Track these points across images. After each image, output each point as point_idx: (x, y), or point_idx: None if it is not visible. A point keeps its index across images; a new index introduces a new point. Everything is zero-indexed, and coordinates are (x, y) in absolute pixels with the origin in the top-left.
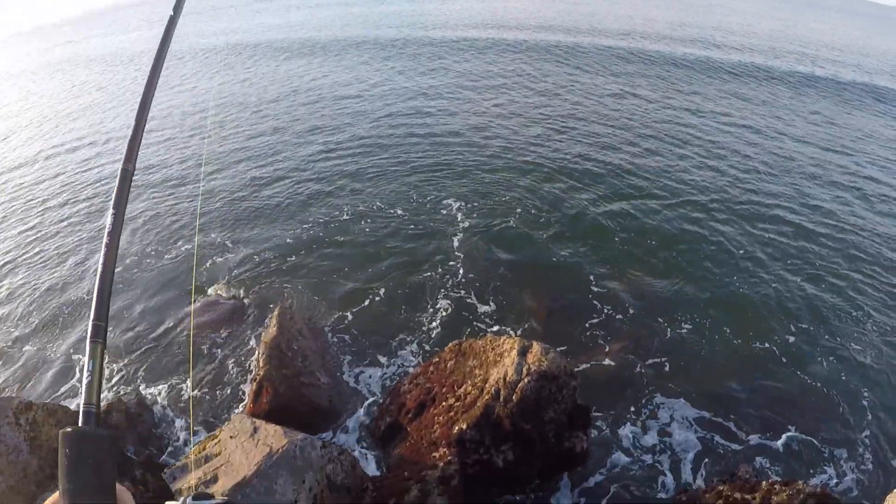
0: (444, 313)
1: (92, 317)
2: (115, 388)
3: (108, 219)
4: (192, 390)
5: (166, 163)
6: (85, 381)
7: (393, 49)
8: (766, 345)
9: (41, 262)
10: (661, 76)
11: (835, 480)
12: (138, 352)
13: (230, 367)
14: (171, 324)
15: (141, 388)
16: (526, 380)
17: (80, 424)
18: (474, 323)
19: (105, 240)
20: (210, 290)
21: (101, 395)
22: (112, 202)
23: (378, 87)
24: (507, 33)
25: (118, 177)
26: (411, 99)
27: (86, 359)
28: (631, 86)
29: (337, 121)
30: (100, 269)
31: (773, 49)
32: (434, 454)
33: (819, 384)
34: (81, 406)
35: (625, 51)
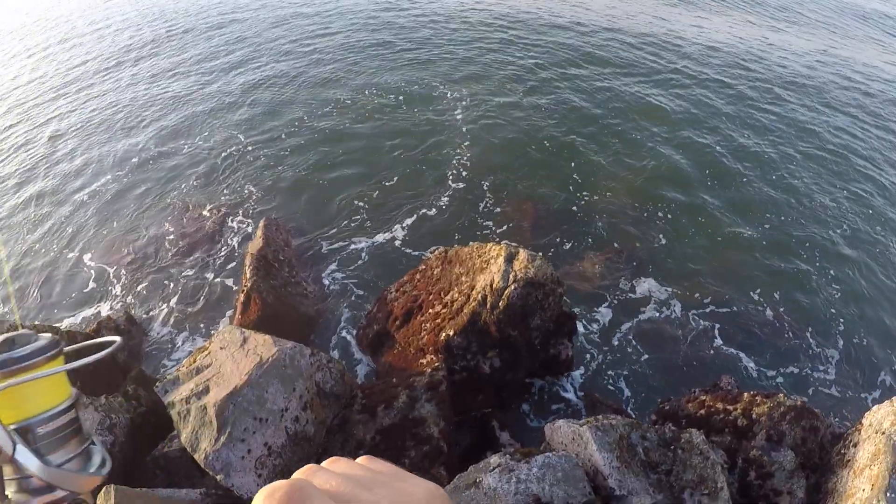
0: (430, 217)
1: None
2: (104, 306)
3: None
4: (179, 306)
5: None
6: None
7: None
8: (752, 256)
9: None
10: None
11: (814, 399)
12: (125, 269)
13: (218, 279)
14: (155, 242)
15: (129, 303)
16: (512, 286)
17: None
18: (461, 227)
19: None
20: (192, 203)
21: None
22: None
23: None
24: None
25: None
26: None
27: None
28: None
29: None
30: None
31: None
32: (421, 361)
33: (800, 305)
34: None
35: None
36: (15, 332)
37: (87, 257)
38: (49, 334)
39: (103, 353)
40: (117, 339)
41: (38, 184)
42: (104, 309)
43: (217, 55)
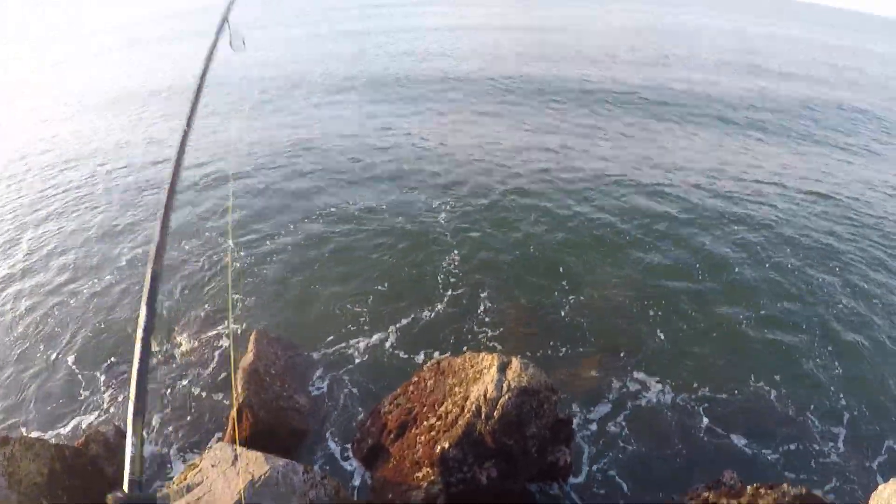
0: (421, 324)
1: (133, 399)
2: (91, 417)
3: (141, 313)
4: (169, 422)
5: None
6: (129, 454)
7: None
8: (746, 342)
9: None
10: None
11: (819, 482)
12: (112, 376)
13: (209, 393)
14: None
15: (116, 414)
16: (506, 396)
17: (126, 492)
18: (453, 334)
19: (140, 334)
20: (179, 311)
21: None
22: (144, 299)
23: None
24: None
25: (148, 276)
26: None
27: (129, 434)
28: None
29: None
30: (136, 360)
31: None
32: (417, 474)
33: (799, 386)
34: (127, 476)
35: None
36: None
37: (71, 360)
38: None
39: None
40: None
41: (18, 284)
42: (91, 419)
43: (196, 164)
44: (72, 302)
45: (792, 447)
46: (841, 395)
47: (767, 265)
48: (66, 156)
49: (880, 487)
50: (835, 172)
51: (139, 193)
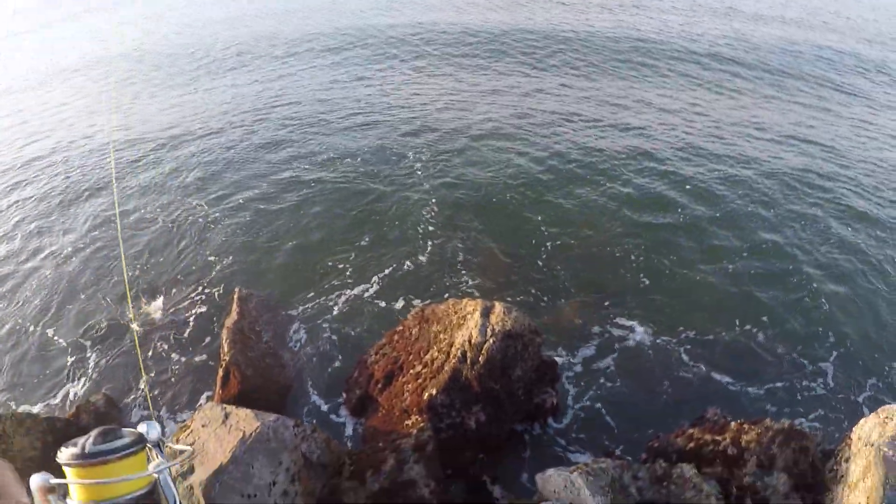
0: (403, 275)
1: None
2: (81, 390)
3: None
4: (157, 386)
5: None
6: None
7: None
8: (728, 281)
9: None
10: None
11: (803, 416)
12: (97, 346)
13: (194, 355)
14: (124, 317)
15: (105, 383)
16: (491, 340)
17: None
18: (435, 283)
19: None
20: (160, 277)
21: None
22: None
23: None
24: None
25: None
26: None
27: None
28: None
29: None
30: None
31: None
32: (407, 422)
33: (786, 324)
34: None
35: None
36: (106, 427)
37: (51, 332)
38: (134, 430)
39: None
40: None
41: None
42: (78, 389)
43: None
44: (42, 271)
45: (777, 385)
46: (823, 334)
47: (751, 203)
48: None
49: (861, 421)
50: (816, 115)
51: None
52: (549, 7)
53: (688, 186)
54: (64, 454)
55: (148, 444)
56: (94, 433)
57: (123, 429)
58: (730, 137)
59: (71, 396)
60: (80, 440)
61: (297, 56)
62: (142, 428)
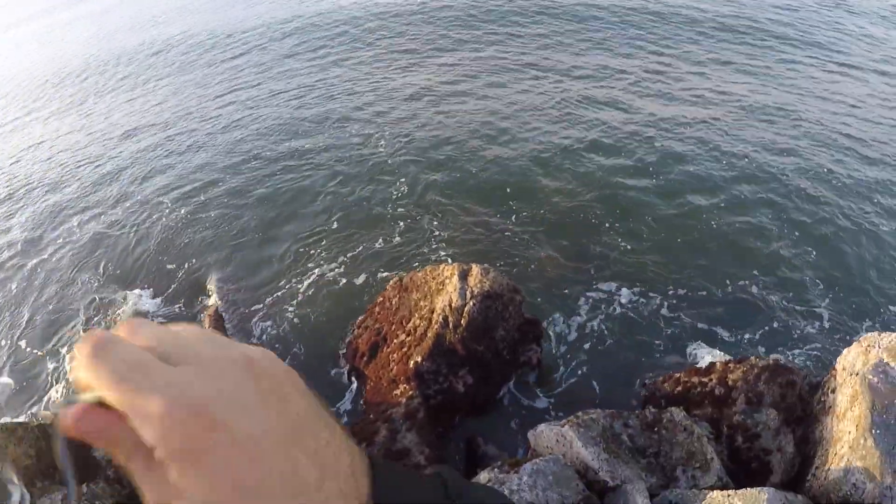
0: (379, 251)
1: None
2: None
3: None
4: None
5: None
6: None
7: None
8: (711, 240)
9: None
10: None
11: (789, 349)
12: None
13: None
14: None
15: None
16: (471, 303)
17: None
18: (412, 256)
19: None
20: (134, 276)
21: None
22: None
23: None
24: None
25: None
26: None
27: None
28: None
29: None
30: None
31: None
32: (395, 392)
33: (770, 272)
34: None
35: None
36: None
37: (23, 344)
38: None
39: None
40: None
41: None
42: (55, 395)
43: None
44: (11, 280)
45: (762, 328)
46: (803, 271)
47: (725, 159)
48: None
49: (845, 351)
50: (781, 74)
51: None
52: None
53: (658, 147)
54: None
55: None
56: None
57: None
58: (696, 100)
59: (51, 399)
60: None
61: (245, 49)
62: None
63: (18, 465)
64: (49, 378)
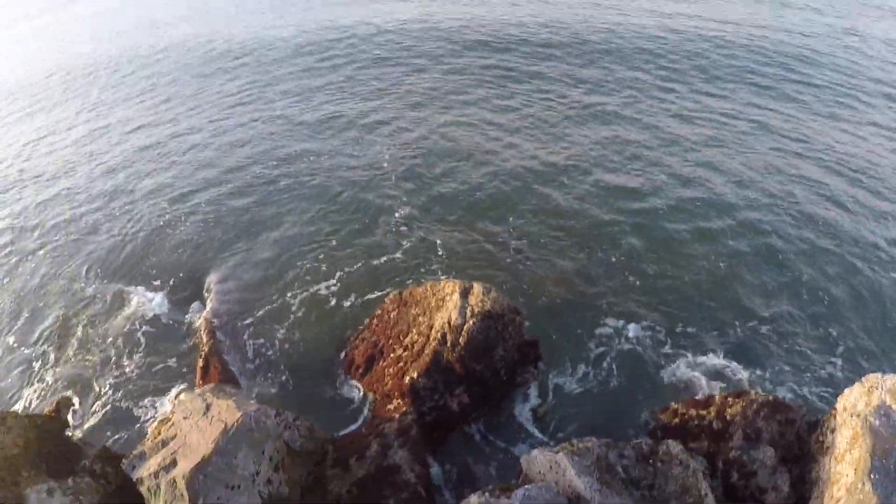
0: (381, 263)
1: None
2: (51, 385)
3: None
4: (136, 377)
5: None
6: None
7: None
8: (707, 262)
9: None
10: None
11: (787, 384)
12: (69, 350)
13: (172, 348)
14: (116, 319)
15: (92, 382)
16: (471, 322)
17: None
18: (413, 268)
19: None
20: (133, 274)
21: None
22: None
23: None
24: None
25: None
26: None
27: None
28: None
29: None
30: None
31: None
32: (389, 406)
33: (758, 294)
34: None
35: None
36: None
37: (12, 342)
38: None
39: None
40: None
41: None
42: (51, 385)
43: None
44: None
45: (757, 360)
46: (804, 307)
47: (732, 187)
48: None
49: (846, 391)
50: (778, 100)
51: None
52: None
53: (664, 174)
54: None
55: None
56: None
57: None
58: (703, 126)
59: (47, 395)
60: None
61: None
62: None
63: (4, 454)
64: (40, 373)
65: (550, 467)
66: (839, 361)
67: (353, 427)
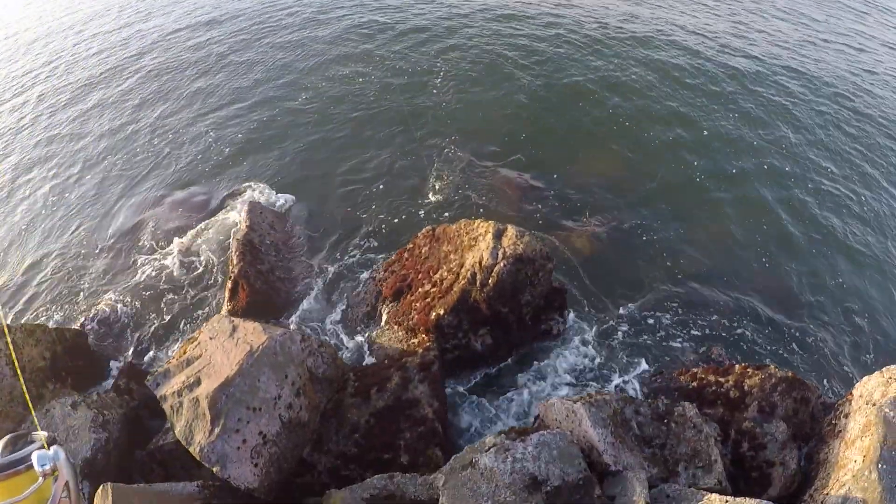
0: (418, 197)
1: None
2: (91, 299)
3: None
4: (168, 293)
5: None
6: None
7: None
8: (745, 231)
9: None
10: None
11: (807, 368)
12: (105, 259)
13: (203, 267)
14: (134, 231)
15: (117, 296)
16: (502, 263)
17: None
18: (450, 206)
19: None
20: (169, 192)
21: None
22: None
23: None
24: None
25: None
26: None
27: None
28: None
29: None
30: None
31: None
32: (413, 340)
33: (793, 273)
34: None
35: None
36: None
37: (58, 248)
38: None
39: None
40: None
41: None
42: (91, 302)
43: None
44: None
45: (780, 334)
46: (832, 289)
47: (783, 154)
48: None
49: (864, 379)
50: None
51: None
52: None
53: (721, 136)
54: None
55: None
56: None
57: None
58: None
59: (80, 309)
60: None
61: None
62: (33, 458)
63: (32, 366)
64: (78, 289)
65: (567, 416)
66: (860, 349)
67: (371, 360)
